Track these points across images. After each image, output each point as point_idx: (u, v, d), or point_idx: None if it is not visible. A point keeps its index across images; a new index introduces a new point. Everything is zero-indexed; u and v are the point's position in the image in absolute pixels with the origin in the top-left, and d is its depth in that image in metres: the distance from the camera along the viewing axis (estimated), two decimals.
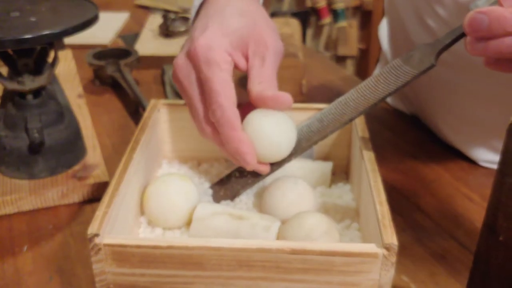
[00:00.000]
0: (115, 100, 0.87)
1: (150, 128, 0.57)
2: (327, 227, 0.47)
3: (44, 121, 0.62)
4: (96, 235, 0.41)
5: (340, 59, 2.23)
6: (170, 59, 0.93)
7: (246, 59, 0.51)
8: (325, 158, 0.62)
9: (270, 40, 0.51)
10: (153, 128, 0.59)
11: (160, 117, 0.61)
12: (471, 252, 0.53)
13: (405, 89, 0.60)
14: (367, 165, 0.49)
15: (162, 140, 0.63)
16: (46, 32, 0.55)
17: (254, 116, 0.50)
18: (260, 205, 0.54)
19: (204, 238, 0.43)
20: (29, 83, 0.61)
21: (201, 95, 0.51)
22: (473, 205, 0.62)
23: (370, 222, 0.46)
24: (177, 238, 0.51)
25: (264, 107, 0.50)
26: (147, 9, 1.33)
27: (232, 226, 0.49)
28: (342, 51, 2.19)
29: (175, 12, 1.21)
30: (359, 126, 0.56)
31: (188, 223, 0.52)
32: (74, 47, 1.00)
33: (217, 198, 0.56)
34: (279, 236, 0.48)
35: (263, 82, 0.49)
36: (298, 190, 0.53)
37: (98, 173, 0.64)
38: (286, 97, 0.49)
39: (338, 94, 0.52)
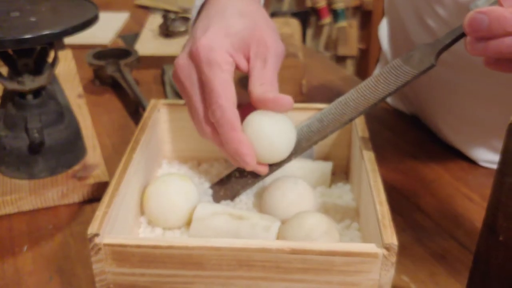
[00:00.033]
0: (115, 100, 0.87)
1: (150, 128, 0.57)
2: (327, 227, 0.47)
3: (44, 121, 0.62)
4: (96, 235, 0.41)
5: (340, 59, 2.23)
6: (170, 59, 0.93)
7: (247, 60, 0.51)
8: (325, 158, 0.62)
9: (270, 41, 0.51)
10: (153, 128, 0.59)
11: (160, 117, 0.61)
12: (471, 252, 0.53)
13: (405, 89, 0.60)
14: (367, 165, 0.49)
15: (162, 140, 0.63)
16: (46, 32, 0.55)
17: (254, 117, 0.50)
18: (260, 205, 0.54)
19: (204, 238, 0.42)
20: (29, 83, 0.61)
21: (201, 95, 0.51)
22: (473, 205, 0.62)
23: (370, 222, 0.46)
24: (177, 238, 0.51)
25: (265, 109, 0.50)
26: (147, 9, 1.33)
27: (232, 226, 0.49)
28: (342, 51, 2.19)
29: (175, 12, 1.21)
30: (359, 126, 0.56)
31: (188, 223, 0.52)
32: (74, 47, 1.00)
33: (217, 198, 0.56)
34: (279, 236, 0.48)
35: (264, 84, 0.49)
36: (298, 190, 0.53)
37: (98, 173, 0.64)
38: (287, 99, 0.49)
39: (338, 94, 0.52)
